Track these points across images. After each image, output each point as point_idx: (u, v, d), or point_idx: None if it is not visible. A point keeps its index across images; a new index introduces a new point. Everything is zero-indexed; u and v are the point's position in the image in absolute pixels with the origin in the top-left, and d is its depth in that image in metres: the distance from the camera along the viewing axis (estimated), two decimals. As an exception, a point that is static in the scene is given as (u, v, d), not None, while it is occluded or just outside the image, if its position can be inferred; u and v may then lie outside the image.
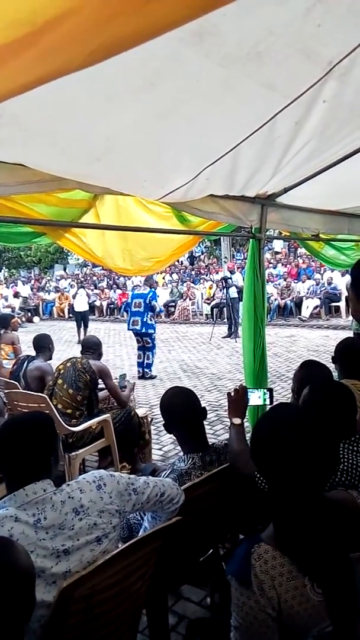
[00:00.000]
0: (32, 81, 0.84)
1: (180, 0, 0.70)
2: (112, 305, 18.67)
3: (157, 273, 17.64)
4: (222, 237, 16.65)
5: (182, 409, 2.09)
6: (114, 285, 19.92)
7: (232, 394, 2.26)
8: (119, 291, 19.05)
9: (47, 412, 3.40)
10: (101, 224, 2.82)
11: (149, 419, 4.30)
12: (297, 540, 1.16)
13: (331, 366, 2.96)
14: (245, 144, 2.26)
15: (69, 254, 25.60)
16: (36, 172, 2.09)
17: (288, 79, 1.90)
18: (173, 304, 17.25)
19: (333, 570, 1.14)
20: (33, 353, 4.38)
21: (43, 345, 4.29)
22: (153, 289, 8.27)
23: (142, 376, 7.88)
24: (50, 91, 1.56)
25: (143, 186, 2.46)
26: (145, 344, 7.96)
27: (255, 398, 2.48)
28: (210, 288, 16.50)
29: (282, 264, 17.40)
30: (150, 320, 7.81)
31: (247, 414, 2.63)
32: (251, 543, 1.18)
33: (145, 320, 7.77)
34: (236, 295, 11.42)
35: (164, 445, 4.75)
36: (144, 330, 7.79)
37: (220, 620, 1.94)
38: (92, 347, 4.06)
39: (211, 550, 2.16)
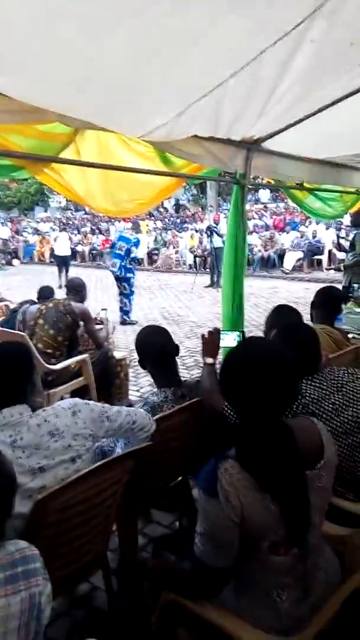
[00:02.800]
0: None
1: None
2: (94, 251, 18.42)
3: (141, 219, 17.37)
4: (208, 186, 16.34)
5: (155, 345, 2.18)
6: (97, 231, 19.59)
7: (206, 335, 2.34)
8: (101, 237, 18.76)
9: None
10: (81, 161, 2.76)
11: (127, 362, 4.42)
12: (258, 458, 1.27)
13: (308, 316, 3.07)
14: (231, 82, 2.22)
15: (50, 195, 24.88)
16: (14, 101, 2.03)
17: (275, 16, 1.85)
18: (157, 251, 17.11)
19: (288, 485, 1.27)
20: (15, 297, 4.38)
21: (75, 287, 4.13)
22: (137, 237, 8.25)
23: (123, 322, 7.97)
24: (30, 15, 1.51)
25: (124, 121, 2.41)
26: (123, 289, 8.01)
27: (229, 340, 2.57)
28: (192, 238, 16.36)
29: (269, 215, 17.26)
30: (129, 264, 7.86)
31: (221, 355, 2.74)
32: (218, 460, 1.29)
33: (124, 264, 7.83)
34: (220, 245, 11.38)
35: (141, 386, 4.90)
36: (122, 275, 7.87)
37: (184, 535, 2.11)
38: (75, 288, 4.08)
39: (180, 478, 2.31)
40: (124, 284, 7.98)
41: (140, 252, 12.94)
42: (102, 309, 4.57)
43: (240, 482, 1.24)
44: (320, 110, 2.84)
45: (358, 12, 1.88)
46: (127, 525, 2.12)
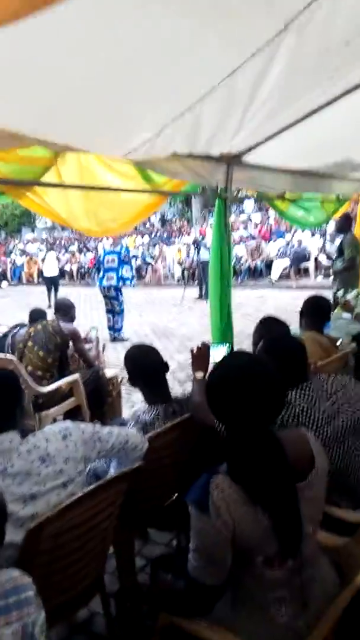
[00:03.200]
0: None
1: None
2: (82, 270, 18.44)
3: (127, 235, 17.45)
4: (192, 199, 16.49)
5: (144, 362, 2.19)
6: (84, 249, 19.62)
7: (195, 350, 2.35)
8: (89, 255, 18.78)
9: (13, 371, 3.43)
10: (63, 183, 2.79)
11: (119, 379, 4.40)
12: (248, 471, 1.27)
13: (297, 324, 3.09)
14: (207, 99, 2.26)
15: (37, 217, 24.94)
16: (-7, 128, 2.05)
17: (247, 33, 1.89)
18: (145, 266, 17.16)
19: (279, 497, 1.26)
20: (4, 319, 4.37)
21: (64, 309, 4.13)
22: (123, 245, 8.29)
23: (114, 339, 7.93)
24: (3, 38, 1.53)
25: (103, 143, 2.43)
26: (113, 307, 7.97)
27: (219, 354, 2.57)
28: (179, 251, 16.44)
29: (254, 226, 17.43)
30: (127, 273, 7.83)
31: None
32: (209, 475, 1.29)
33: (121, 274, 7.78)
34: (207, 258, 11.40)
35: (134, 403, 4.87)
36: (118, 285, 7.79)
37: (182, 554, 2.08)
38: (64, 309, 4.08)
39: (176, 495, 2.29)
40: (113, 301, 7.94)
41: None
42: (92, 327, 4.56)
43: (231, 497, 1.24)
44: (297, 121, 2.89)
45: (325, 24, 1.92)
46: (124, 547, 2.09)
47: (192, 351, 2.36)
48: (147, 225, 20.89)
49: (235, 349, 2.68)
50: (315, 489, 1.33)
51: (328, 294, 4.01)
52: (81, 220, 3.12)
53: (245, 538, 1.24)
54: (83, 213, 3.09)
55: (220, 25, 1.77)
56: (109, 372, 4.31)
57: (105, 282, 7.88)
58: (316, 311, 3.03)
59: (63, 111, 2.04)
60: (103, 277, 7.95)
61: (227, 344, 2.61)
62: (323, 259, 13.37)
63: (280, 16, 1.85)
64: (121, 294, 7.97)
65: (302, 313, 3.05)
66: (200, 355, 2.33)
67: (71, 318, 4.11)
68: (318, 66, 2.28)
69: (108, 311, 8.08)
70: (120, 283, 7.80)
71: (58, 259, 14.25)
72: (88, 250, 19.35)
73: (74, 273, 18.53)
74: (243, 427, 1.31)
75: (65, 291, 14.62)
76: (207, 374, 1.43)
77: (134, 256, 7.83)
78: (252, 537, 1.25)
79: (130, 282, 7.98)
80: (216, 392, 1.36)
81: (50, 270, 13.10)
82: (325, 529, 1.53)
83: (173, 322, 9.46)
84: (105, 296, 8.00)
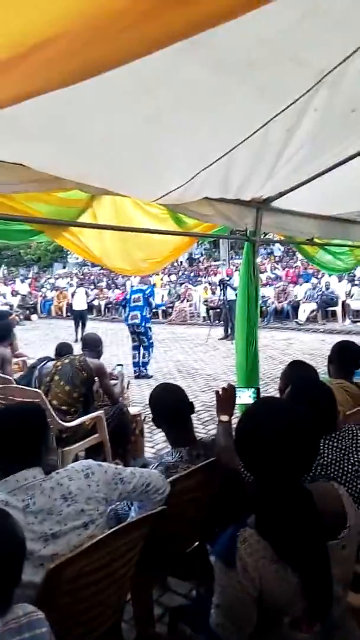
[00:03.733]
0: (11, 98, 0.90)
1: (162, 24, 0.75)
2: (110, 305, 18.72)
3: (155, 274, 17.72)
4: (221, 241, 16.73)
5: (169, 403, 2.16)
6: (113, 285, 19.99)
7: (221, 392, 2.32)
8: (117, 291, 19.12)
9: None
10: (98, 224, 2.88)
11: (142, 417, 4.37)
12: (277, 527, 1.22)
13: (324, 368, 3.04)
14: (239, 149, 2.34)
15: (68, 252, 25.67)
16: (36, 172, 2.16)
17: (280, 87, 1.97)
18: (171, 305, 17.30)
19: (309, 556, 1.21)
20: (33, 351, 4.45)
21: (91, 344, 4.16)
22: (151, 285, 8.40)
23: (138, 375, 7.94)
24: (48, 94, 1.63)
25: (139, 188, 2.53)
26: (142, 342, 8.01)
27: (245, 397, 2.54)
28: (205, 291, 16.56)
29: (281, 268, 17.49)
30: (149, 314, 7.92)
31: (238, 412, 2.70)
32: (237, 527, 1.24)
33: (144, 314, 7.87)
34: (234, 298, 11.48)
35: (156, 442, 4.82)
36: (143, 324, 7.87)
37: (201, 606, 2.00)
38: (91, 344, 4.12)
39: (197, 543, 2.22)
40: (142, 336, 7.99)
41: (156, 300, 13.12)
42: (118, 365, 4.58)
43: (259, 553, 1.19)
44: (326, 170, 2.95)
45: (356, 81, 1.99)
46: (142, 595, 2.02)
47: (217, 393, 2.33)
48: (175, 264, 21.21)
49: (261, 392, 2.64)
50: (347, 549, 1.27)
51: (357, 340, 3.96)
52: (114, 259, 3.20)
53: (272, 597, 1.19)
54: (116, 252, 3.18)
55: (255, 80, 1.85)
56: (132, 410, 4.29)
57: (130, 321, 7.99)
58: (345, 357, 2.96)
59: (102, 158, 2.14)
60: (128, 315, 8.07)
61: (253, 388, 2.58)
62: (351, 303, 13.23)
63: (313, 71, 1.92)
64: (150, 330, 8.05)
65: (331, 359, 2.98)
66: (225, 398, 2.30)
67: (98, 353, 4.14)
68: (346, 121, 2.34)
69: (134, 347, 8.12)
70: (143, 323, 7.88)
71: (87, 293, 14.50)
72: (116, 286, 19.70)
73: (102, 308, 18.82)
74: (274, 479, 1.27)
75: (93, 325, 14.85)
76: (238, 422, 1.40)
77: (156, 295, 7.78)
78: (280, 596, 1.19)
79: (150, 324, 8.02)
80: (246, 441, 1.33)
81: (79, 304, 13.34)
82: (354, 590, 1.45)
83: (198, 362, 9.42)
84: (132, 332, 8.08)
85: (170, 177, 2.50)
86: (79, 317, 13.23)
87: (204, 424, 5.40)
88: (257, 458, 1.30)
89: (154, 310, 8.46)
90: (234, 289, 11.54)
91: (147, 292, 7.99)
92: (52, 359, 4.33)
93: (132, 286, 9.04)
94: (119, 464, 3.86)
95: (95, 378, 3.93)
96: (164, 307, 17.08)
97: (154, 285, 16.36)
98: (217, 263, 19.72)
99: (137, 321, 7.87)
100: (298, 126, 2.25)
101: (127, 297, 8.37)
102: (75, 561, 1.44)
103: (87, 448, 3.76)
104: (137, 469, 1.81)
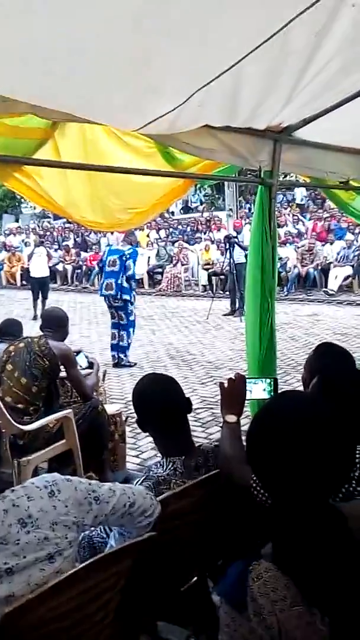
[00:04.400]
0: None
1: None
2: (79, 270, 18.65)
3: (139, 229, 17.61)
4: (226, 184, 16.59)
5: (159, 400, 2.17)
6: (83, 244, 19.87)
7: (226, 384, 2.34)
8: (88, 252, 19.02)
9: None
10: (62, 162, 2.84)
11: (123, 418, 4.41)
12: (301, 559, 1.24)
13: None
14: (250, 59, 2.29)
15: (22, 200, 25.39)
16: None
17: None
18: (160, 269, 17.27)
19: (343, 598, 1.22)
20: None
21: (55, 322, 4.17)
22: (134, 246, 8.35)
23: (117, 363, 7.99)
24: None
25: (116, 111, 2.48)
26: (120, 319, 8.03)
27: (258, 390, 2.56)
28: (207, 250, 16.53)
29: (306, 220, 17.43)
30: (126, 283, 7.87)
31: (248, 410, 2.72)
32: (248, 560, 1.26)
33: (120, 282, 7.83)
34: (243, 260, 11.48)
35: (142, 450, 4.87)
36: (119, 297, 7.86)
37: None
38: (54, 323, 4.11)
39: (195, 579, 2.27)
40: (120, 312, 8.00)
41: (139, 269, 13.05)
42: (80, 352, 4.58)
43: (277, 593, 1.21)
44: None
45: None
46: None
47: (221, 385, 2.35)
48: (165, 215, 21.07)
49: (278, 385, 2.66)
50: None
51: None
52: (83, 210, 3.17)
53: (294, 648, 1.21)
54: (86, 200, 3.15)
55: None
56: (110, 408, 4.32)
57: (104, 291, 8.00)
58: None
59: (66, 70, 2.09)
60: (103, 283, 8.07)
61: (270, 379, 2.59)
62: None
63: None
64: (131, 304, 8.03)
65: None
66: (232, 392, 2.31)
67: (63, 334, 4.15)
68: None
69: (113, 325, 8.15)
70: (119, 295, 7.84)
71: (49, 255, 14.39)
72: (87, 246, 19.58)
73: (68, 274, 18.75)
74: (297, 497, 1.28)
75: (56, 298, 14.84)
76: (250, 423, 1.40)
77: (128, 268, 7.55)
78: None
79: (129, 297, 7.95)
80: (261, 448, 1.34)
81: (39, 270, 13.27)
82: None
83: (196, 345, 9.47)
84: (110, 306, 8.10)
85: (159, 97, 2.45)
86: (39, 287, 13.20)
87: (204, 426, 5.46)
88: (275, 470, 1.31)
89: (134, 276, 8.33)
90: (244, 249, 11.54)
91: (126, 253, 7.93)
92: (1, 342, 4.32)
93: (108, 245, 8.96)
94: (94, 479, 3.91)
95: (61, 367, 3.94)
96: (144, 274, 17.04)
97: (137, 244, 16.32)
98: (221, 214, 19.58)
99: (112, 292, 7.86)
100: (330, 28, 2.20)
101: (104, 258, 8.32)
102: (36, 605, 1.46)
103: (51, 458, 3.79)
104: (117, 484, 1.82)
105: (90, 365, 4.49)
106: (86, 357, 4.60)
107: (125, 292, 7.87)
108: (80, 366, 4.33)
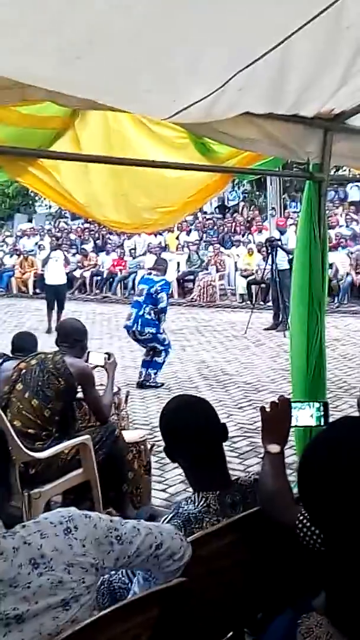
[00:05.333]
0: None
1: None
2: (99, 277, 18.79)
3: (168, 230, 17.69)
4: (269, 180, 16.58)
5: (191, 426, 2.17)
6: (105, 246, 20.00)
7: (269, 409, 2.33)
8: (112, 255, 19.14)
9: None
10: (82, 154, 2.88)
11: (148, 446, 4.40)
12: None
13: None
14: (301, 35, 2.30)
15: (37, 198, 25.75)
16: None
17: None
18: (191, 277, 17.30)
19: None
20: None
21: (72, 335, 4.20)
22: (165, 279, 8.47)
23: (142, 383, 8.03)
24: None
25: (145, 98, 2.50)
26: (154, 350, 8.16)
27: (305, 416, 2.53)
28: (250, 254, 16.50)
29: (360, 221, 17.31)
30: (150, 314, 7.96)
31: (293, 440, 2.71)
32: (296, 613, 1.26)
33: (141, 313, 7.93)
34: (288, 266, 11.44)
35: (169, 484, 4.86)
36: (139, 330, 7.96)
37: None
38: (72, 337, 4.13)
39: (231, 634, 2.25)
40: (150, 344, 8.10)
41: (168, 276, 13.07)
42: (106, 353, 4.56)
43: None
44: None
45: None
46: None
47: (262, 410, 2.34)
48: (199, 215, 21.13)
49: (329, 409, 2.64)
50: None
51: None
52: (106, 208, 3.20)
53: None
54: (109, 198, 3.18)
55: None
56: (132, 435, 4.33)
57: (126, 321, 8.21)
58: None
59: (87, 49, 2.12)
60: (130, 313, 8.20)
61: (318, 403, 2.57)
62: None
63: None
64: (159, 333, 8.09)
65: None
66: (275, 418, 2.30)
67: (81, 350, 4.17)
68: None
69: (148, 353, 8.27)
70: (138, 327, 7.93)
71: (66, 260, 14.54)
72: (110, 248, 19.70)
73: (87, 281, 18.90)
74: (357, 541, 1.27)
75: (73, 308, 14.95)
76: (302, 456, 1.39)
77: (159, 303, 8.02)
78: None
79: (155, 330, 8.00)
80: (316, 484, 1.34)
81: (54, 277, 13.41)
82: None
83: (233, 364, 9.45)
84: (135, 340, 8.24)
85: (193, 81, 2.47)
86: (54, 296, 13.33)
87: (242, 457, 5.43)
88: (332, 510, 1.31)
89: (166, 312, 8.39)
90: (288, 253, 11.49)
91: (157, 285, 8.03)
92: (11, 357, 4.37)
93: (142, 276, 9.12)
94: (113, 515, 3.92)
95: (78, 387, 3.97)
96: (173, 282, 17.05)
97: (166, 248, 16.32)
98: (262, 214, 19.56)
99: (130, 323, 8.02)
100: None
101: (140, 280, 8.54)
102: (50, 658, 1.47)
103: (66, 490, 3.81)
104: (142, 522, 1.82)
105: (108, 355, 4.45)
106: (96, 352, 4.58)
107: (150, 325, 7.98)
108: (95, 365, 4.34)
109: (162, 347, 8.12)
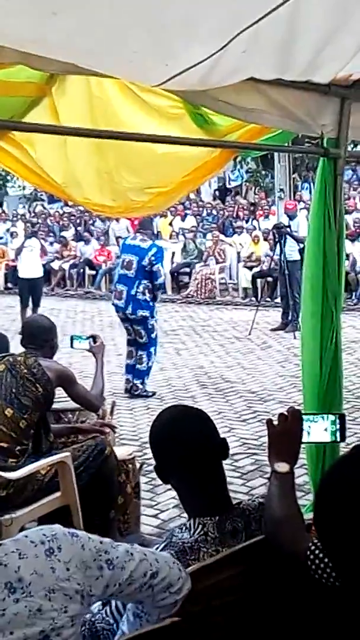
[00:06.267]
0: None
1: None
2: (81, 270, 18.75)
3: (160, 215, 17.67)
4: (276, 157, 16.58)
5: (186, 441, 2.16)
6: (86, 234, 19.98)
7: (276, 422, 2.33)
8: (93, 244, 19.11)
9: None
10: (61, 126, 2.87)
11: (137, 465, 4.40)
12: None
13: None
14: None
15: (8, 178, 25.70)
16: None
17: None
18: (187, 269, 17.29)
19: None
20: None
21: (38, 335, 4.24)
22: (157, 244, 8.33)
23: (130, 391, 8.02)
24: None
25: (132, 60, 2.49)
26: (138, 336, 8.05)
27: (318, 431, 2.53)
28: (255, 243, 16.50)
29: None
30: (145, 294, 7.85)
31: (304, 458, 2.70)
32: None
33: (134, 293, 7.81)
34: (298, 257, 11.45)
35: (161, 508, 4.88)
36: (130, 312, 7.84)
37: None
38: (39, 337, 4.13)
39: None
40: (136, 327, 7.99)
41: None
42: (83, 338, 4.60)
43: None
44: None
45: None
46: None
47: (269, 424, 2.34)
48: (195, 198, 21.13)
49: (347, 423, 2.63)
50: None
51: None
52: (88, 189, 3.19)
53: None
54: (92, 177, 3.17)
55: None
56: (119, 452, 4.32)
57: (114, 300, 8.05)
58: None
59: (65, 7, 2.11)
60: (114, 288, 8.14)
61: (333, 416, 2.56)
62: None
63: None
64: (152, 318, 8.04)
65: None
66: (284, 432, 2.30)
67: (51, 350, 4.18)
68: None
69: (131, 342, 8.20)
70: (131, 309, 7.82)
71: (43, 250, 14.51)
72: (91, 236, 19.67)
73: (66, 274, 18.87)
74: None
75: (52, 305, 14.92)
76: (322, 480, 1.39)
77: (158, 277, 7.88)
78: None
79: (149, 312, 7.94)
80: (336, 512, 1.34)
81: (30, 269, 13.39)
82: None
83: (235, 369, 9.46)
84: (123, 319, 8.13)
85: (190, 42, 2.46)
86: (29, 291, 13.31)
87: (245, 477, 5.43)
88: (355, 542, 1.30)
89: (162, 285, 8.35)
90: (299, 242, 11.49)
91: (149, 255, 7.86)
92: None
93: (122, 240, 8.99)
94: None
95: (55, 390, 3.98)
96: (166, 275, 17.04)
97: (158, 236, 16.24)
98: (268, 199, 19.59)
99: (121, 304, 7.87)
100: None
101: (119, 254, 8.34)
102: None
103: (43, 517, 3.80)
104: (136, 547, 1.81)
105: (93, 338, 4.52)
106: (80, 337, 4.66)
107: (144, 307, 7.86)
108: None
109: (145, 338, 7.98)
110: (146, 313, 7.90)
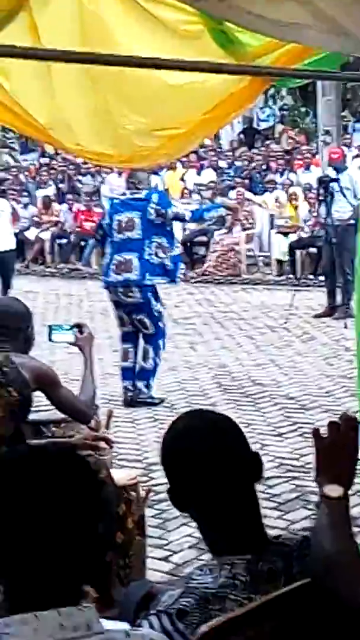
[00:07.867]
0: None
1: None
2: (64, 240, 18.80)
3: (168, 167, 17.65)
4: (319, 89, 16.54)
5: (208, 457, 2.17)
6: (71, 193, 20.00)
7: (326, 434, 2.34)
8: (78, 206, 19.14)
9: None
10: (43, 49, 2.88)
11: (142, 492, 4.42)
12: None
13: None
14: None
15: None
16: None
17: None
18: (204, 238, 17.27)
19: None
20: None
21: (10, 323, 4.27)
22: (156, 189, 8.58)
23: (132, 399, 8.06)
24: None
25: None
26: (142, 327, 8.07)
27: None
28: (292, 203, 16.47)
29: None
30: (159, 255, 7.83)
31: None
32: None
33: (147, 257, 7.79)
34: (352, 221, 11.39)
35: (174, 549, 4.89)
36: (143, 284, 7.79)
37: None
38: (11, 326, 4.15)
39: None
40: (141, 317, 7.96)
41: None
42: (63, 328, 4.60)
43: None
44: None
45: None
46: None
47: (316, 436, 2.36)
48: (213, 145, 21.12)
49: None
50: None
51: None
52: (80, 132, 3.20)
53: None
54: (84, 115, 3.18)
55: None
56: (119, 475, 4.35)
57: (113, 275, 7.98)
58: None
59: None
60: (110, 262, 8.07)
61: None
62: None
63: None
64: (156, 300, 8.06)
65: None
66: (336, 447, 2.32)
67: (26, 342, 4.19)
68: None
69: (125, 337, 8.22)
70: (148, 278, 7.82)
71: (15, 214, 14.54)
72: (78, 196, 19.70)
73: (46, 245, 18.91)
74: None
75: (26, 286, 14.94)
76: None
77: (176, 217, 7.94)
78: None
79: (174, 275, 7.97)
80: None
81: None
82: None
83: (268, 368, 9.50)
84: (117, 304, 8.14)
85: None
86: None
87: (283, 507, 5.45)
88: None
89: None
90: (353, 199, 11.45)
91: (152, 201, 7.88)
92: None
93: (109, 200, 9.00)
94: (90, 595, 3.96)
95: (33, 394, 4.03)
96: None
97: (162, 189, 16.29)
98: (309, 144, 19.55)
99: (131, 275, 7.82)
100: None
101: (106, 221, 8.34)
102: None
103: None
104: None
105: (78, 328, 4.49)
106: (61, 327, 4.64)
107: (160, 273, 7.90)
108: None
109: (152, 329, 8.01)
110: (161, 280, 7.97)
